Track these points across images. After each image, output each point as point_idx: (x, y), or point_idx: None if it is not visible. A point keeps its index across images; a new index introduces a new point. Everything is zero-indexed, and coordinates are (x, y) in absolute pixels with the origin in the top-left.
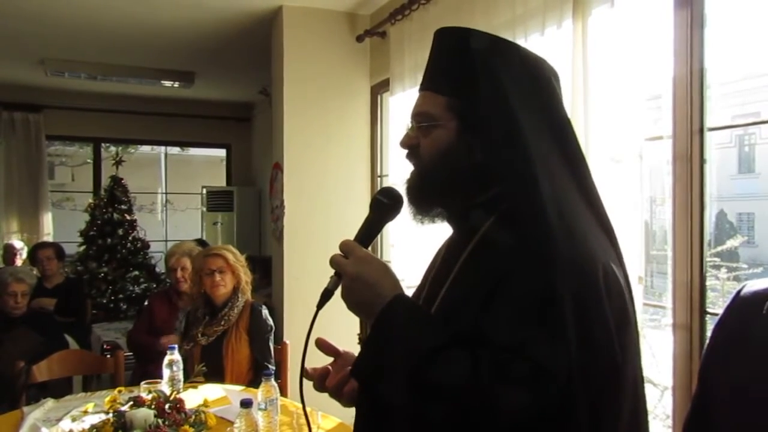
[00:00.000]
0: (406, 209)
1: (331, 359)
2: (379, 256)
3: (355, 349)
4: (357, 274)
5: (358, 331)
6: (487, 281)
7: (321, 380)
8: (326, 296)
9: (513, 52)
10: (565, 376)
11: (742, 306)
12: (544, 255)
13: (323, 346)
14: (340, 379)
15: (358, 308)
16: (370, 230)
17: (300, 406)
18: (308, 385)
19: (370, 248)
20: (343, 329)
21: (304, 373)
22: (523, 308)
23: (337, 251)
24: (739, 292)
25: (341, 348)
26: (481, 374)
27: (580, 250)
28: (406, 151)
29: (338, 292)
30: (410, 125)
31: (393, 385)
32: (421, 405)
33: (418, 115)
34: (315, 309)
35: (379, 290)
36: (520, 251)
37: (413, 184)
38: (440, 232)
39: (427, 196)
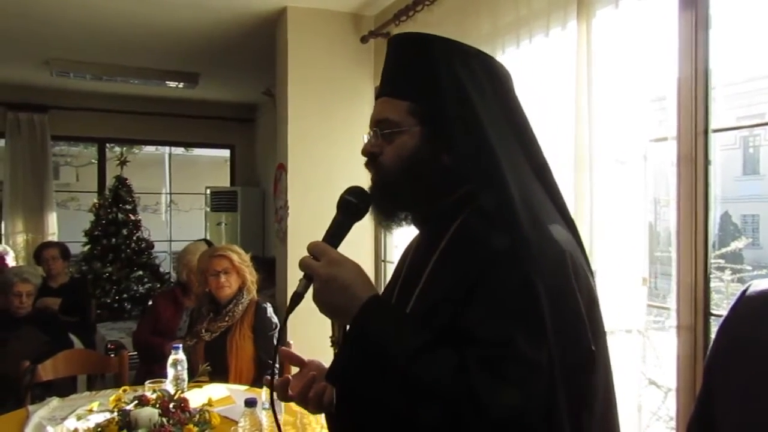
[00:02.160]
0: (371, 213)
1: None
2: (382, 258)
3: (326, 352)
4: (330, 276)
5: (330, 334)
6: (463, 278)
7: (283, 389)
8: (296, 300)
9: (470, 55)
10: (548, 369)
11: (748, 306)
12: (518, 249)
13: (288, 356)
14: (303, 386)
15: (331, 311)
16: (339, 231)
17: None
18: None
19: (371, 250)
20: (316, 332)
21: (266, 381)
22: (505, 303)
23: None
24: (744, 292)
25: (306, 357)
26: (470, 371)
27: (549, 242)
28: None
29: (308, 295)
30: (371, 132)
31: (378, 388)
32: (409, 405)
33: (379, 122)
34: (285, 314)
35: (354, 291)
36: (495, 247)
37: (379, 192)
38: None
39: (394, 202)
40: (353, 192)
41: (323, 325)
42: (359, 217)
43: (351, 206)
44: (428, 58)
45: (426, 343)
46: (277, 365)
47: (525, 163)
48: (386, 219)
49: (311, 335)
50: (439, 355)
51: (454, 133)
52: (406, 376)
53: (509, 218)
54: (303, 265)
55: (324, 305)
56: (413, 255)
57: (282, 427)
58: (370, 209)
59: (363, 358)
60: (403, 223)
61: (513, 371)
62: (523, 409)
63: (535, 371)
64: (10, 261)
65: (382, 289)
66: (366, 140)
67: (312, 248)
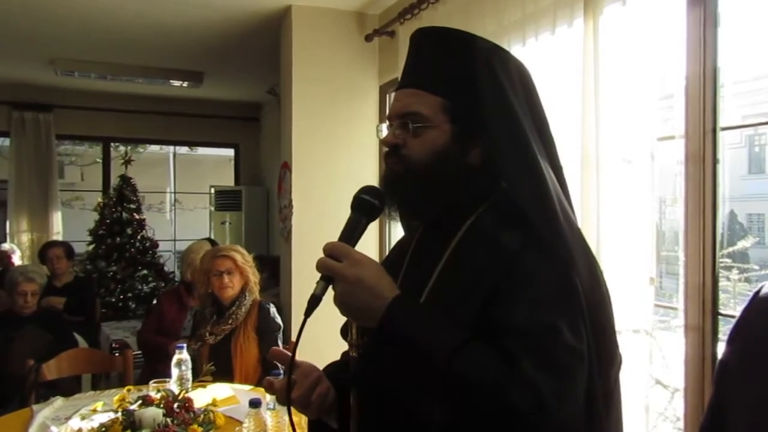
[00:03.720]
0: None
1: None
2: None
3: (335, 352)
4: (356, 277)
5: (349, 337)
6: (490, 272)
7: (285, 392)
8: (315, 302)
9: (506, 55)
10: (588, 358)
11: (761, 307)
12: (557, 244)
13: (279, 357)
14: (305, 389)
15: (357, 312)
16: (356, 231)
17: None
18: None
19: (376, 250)
20: (325, 332)
21: (265, 384)
22: (546, 293)
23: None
24: (757, 293)
25: (310, 357)
26: (517, 361)
27: (581, 242)
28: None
29: (325, 297)
30: (395, 123)
31: (415, 389)
32: (454, 402)
33: (408, 115)
34: (303, 317)
35: (380, 292)
36: (531, 240)
37: (402, 184)
38: None
39: (417, 196)
40: (369, 191)
41: (333, 326)
42: (376, 216)
43: (369, 205)
44: (468, 56)
45: (463, 339)
46: (282, 367)
47: (547, 163)
48: (406, 211)
49: (322, 336)
50: (478, 349)
51: (495, 133)
52: (447, 375)
53: (549, 216)
54: (323, 266)
55: (348, 307)
56: (415, 252)
57: (287, 427)
58: (390, 199)
59: (398, 360)
60: (419, 216)
61: (562, 359)
62: (573, 397)
63: (580, 360)
64: (17, 260)
65: None
66: (385, 131)
67: (331, 249)
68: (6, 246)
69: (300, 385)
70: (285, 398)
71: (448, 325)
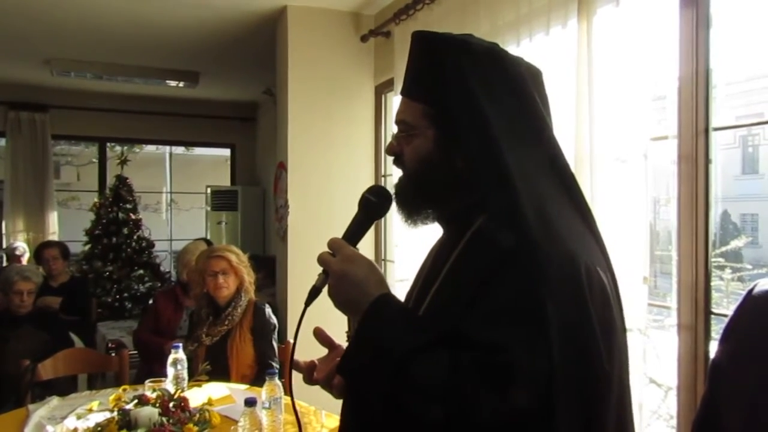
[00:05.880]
0: (394, 210)
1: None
2: (383, 257)
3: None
4: (343, 272)
5: (347, 329)
6: (471, 283)
7: (309, 372)
8: (314, 294)
9: (484, 55)
10: (545, 378)
11: (755, 305)
12: (523, 255)
13: (320, 336)
14: (329, 371)
15: (344, 306)
16: (359, 229)
17: (304, 405)
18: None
19: (372, 249)
20: (334, 326)
21: (293, 364)
22: (503, 308)
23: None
24: (750, 291)
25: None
26: (460, 374)
27: (560, 251)
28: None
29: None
30: (394, 132)
31: (373, 383)
32: (401, 404)
33: (398, 123)
34: (303, 306)
35: (365, 288)
36: (500, 252)
37: (401, 190)
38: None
39: (414, 201)
40: (373, 191)
41: (341, 322)
42: (379, 215)
43: (372, 205)
44: (437, 59)
45: (426, 343)
46: (277, 366)
47: (545, 170)
48: (408, 216)
49: (330, 330)
50: (434, 357)
51: (463, 137)
52: (399, 374)
53: (517, 224)
54: (320, 260)
55: (337, 300)
56: (435, 256)
57: (282, 426)
58: (396, 206)
59: (364, 354)
60: (428, 221)
61: (503, 377)
62: (511, 415)
63: (527, 378)
64: (24, 262)
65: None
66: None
67: (330, 244)
68: (21, 248)
69: (323, 367)
70: (306, 378)
71: (418, 329)
